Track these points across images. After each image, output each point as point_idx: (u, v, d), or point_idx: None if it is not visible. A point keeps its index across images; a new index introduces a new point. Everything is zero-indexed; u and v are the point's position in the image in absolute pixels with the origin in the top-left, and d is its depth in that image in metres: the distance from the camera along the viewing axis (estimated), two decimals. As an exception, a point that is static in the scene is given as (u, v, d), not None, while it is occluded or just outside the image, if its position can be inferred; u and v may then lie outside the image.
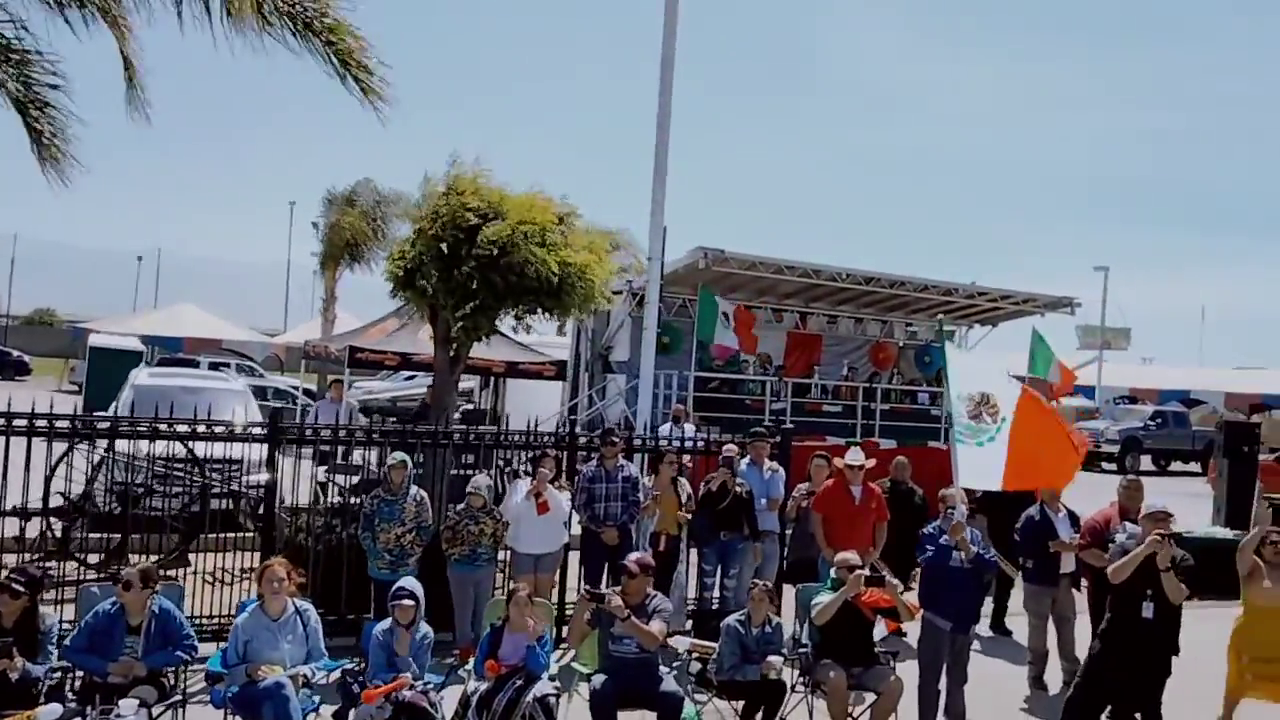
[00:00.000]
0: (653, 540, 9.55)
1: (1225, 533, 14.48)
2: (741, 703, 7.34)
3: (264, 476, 11.38)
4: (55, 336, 55.08)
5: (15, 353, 45.93)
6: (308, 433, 9.15)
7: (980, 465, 8.17)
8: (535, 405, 18.81)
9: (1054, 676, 9.24)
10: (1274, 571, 8.23)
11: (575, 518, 9.59)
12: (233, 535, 9.94)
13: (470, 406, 19.61)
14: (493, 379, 20.57)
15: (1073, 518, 9.33)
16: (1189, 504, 20.59)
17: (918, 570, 10.93)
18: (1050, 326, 20.99)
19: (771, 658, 7.22)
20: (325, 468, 10.95)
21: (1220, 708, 8.21)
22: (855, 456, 9.77)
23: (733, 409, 18.07)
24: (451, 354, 11.35)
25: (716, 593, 9.74)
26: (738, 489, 9.56)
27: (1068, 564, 9.19)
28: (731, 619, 7.59)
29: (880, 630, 7.84)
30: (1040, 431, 8.37)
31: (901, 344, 22.08)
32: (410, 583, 6.95)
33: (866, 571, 7.53)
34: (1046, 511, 9.37)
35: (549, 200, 11.33)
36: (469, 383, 23.13)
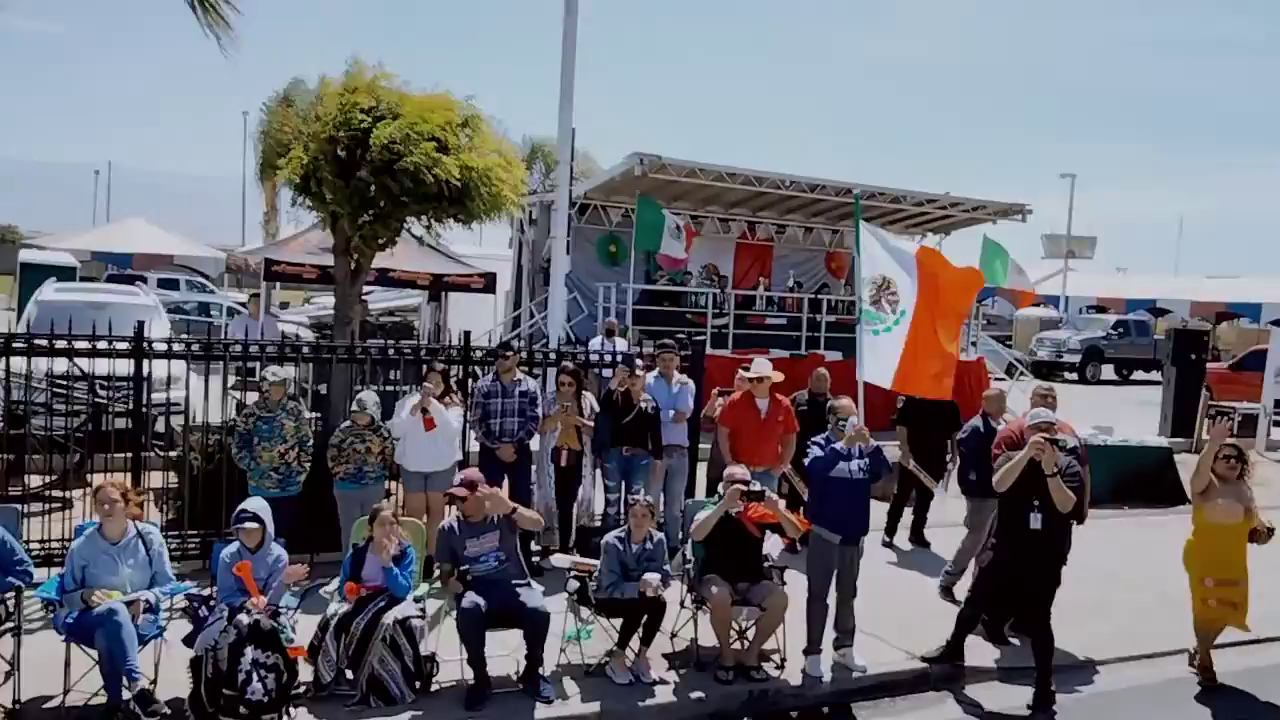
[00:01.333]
0: (554, 455, 9.24)
1: (1159, 441, 14.32)
2: (620, 620, 7.10)
3: (174, 394, 11.13)
4: (9, 254, 54.03)
5: (-38, 270, 45.04)
6: (177, 347, 8.67)
7: (876, 359, 7.85)
8: (481, 320, 18.51)
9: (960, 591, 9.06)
10: (1227, 487, 7.95)
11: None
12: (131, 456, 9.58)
13: (393, 321, 19.13)
14: (443, 294, 20.14)
15: None
16: (1142, 412, 20.56)
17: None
18: (1003, 235, 20.68)
19: (648, 575, 6.96)
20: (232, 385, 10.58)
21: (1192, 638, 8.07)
22: (761, 368, 9.43)
23: (674, 323, 17.72)
24: (353, 265, 10.93)
25: (621, 509, 9.43)
26: (642, 404, 9.22)
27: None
28: (610, 536, 7.32)
29: (774, 545, 7.62)
30: (931, 334, 8.01)
31: (850, 252, 21.68)
32: (255, 504, 6.63)
33: (743, 486, 7.24)
34: (990, 423, 9.15)
35: (451, 102, 10.81)
36: (414, 299, 22.69)
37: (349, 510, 8.36)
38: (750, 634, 7.40)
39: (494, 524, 6.86)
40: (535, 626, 6.59)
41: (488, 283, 15.85)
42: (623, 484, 9.29)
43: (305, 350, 9.31)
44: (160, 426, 10.70)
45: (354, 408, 8.49)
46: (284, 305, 36.39)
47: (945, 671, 7.71)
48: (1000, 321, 41.80)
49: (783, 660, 7.47)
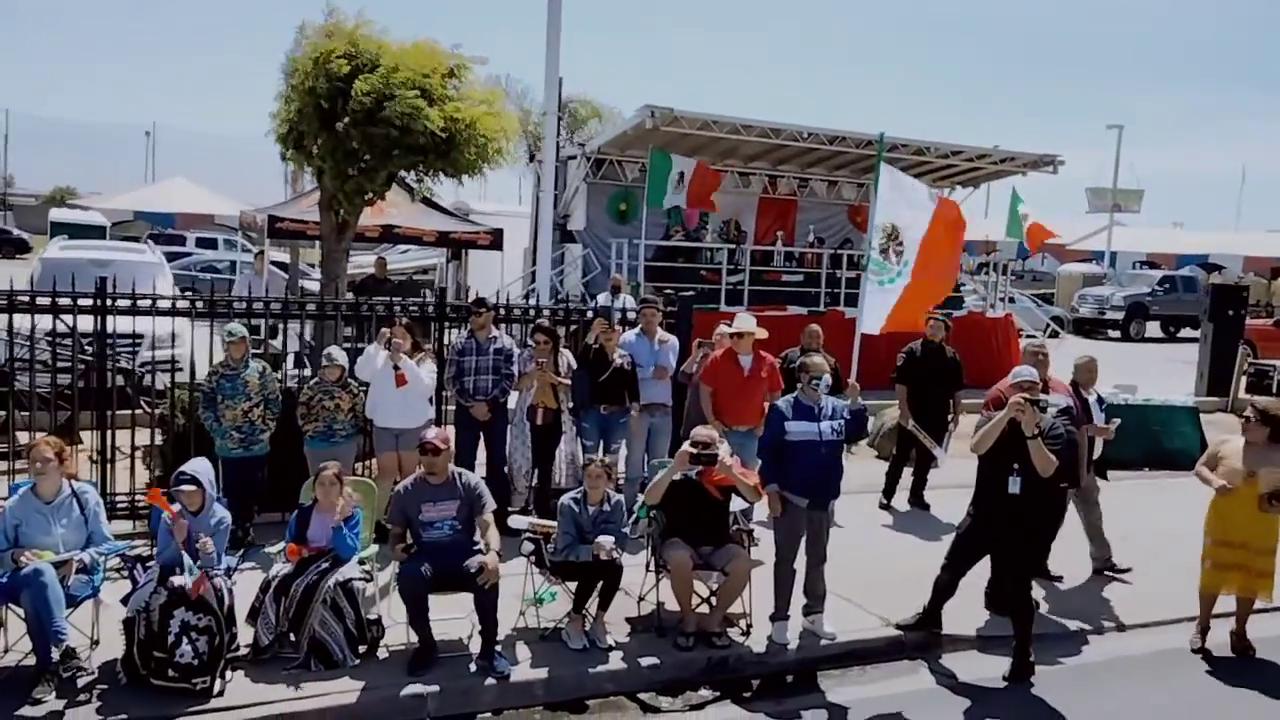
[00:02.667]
0: (529, 413, 9.02)
1: (1184, 400, 13.78)
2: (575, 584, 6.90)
3: (175, 351, 11.06)
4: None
5: (16, 231, 45.81)
6: (142, 304, 8.51)
7: (877, 309, 7.56)
8: (499, 278, 18.30)
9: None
10: (1249, 450, 7.54)
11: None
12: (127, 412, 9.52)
13: (404, 278, 18.92)
14: (463, 253, 19.96)
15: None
16: (1184, 370, 19.90)
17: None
18: (1037, 187, 20.06)
19: (601, 538, 6.73)
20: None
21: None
22: (743, 323, 9.11)
23: (688, 279, 17.39)
24: (339, 220, 10.74)
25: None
26: (618, 360, 8.96)
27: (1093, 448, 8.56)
28: (566, 497, 7.09)
29: (737, 504, 7.36)
30: (926, 284, 7.68)
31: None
32: (195, 466, 6.47)
33: (692, 450, 6.97)
34: (1082, 393, 8.60)
35: (436, 50, 10.53)
36: (435, 258, 22.53)
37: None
38: (715, 599, 7.16)
39: (455, 491, 6.65)
40: (484, 594, 6.39)
41: (495, 239, 15.59)
42: (601, 443, 9.06)
43: (274, 307, 9.00)
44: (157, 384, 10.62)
45: (322, 362, 8.32)
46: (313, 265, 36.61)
47: (920, 639, 7.43)
48: (1045, 278, 40.95)
49: (748, 626, 7.23)
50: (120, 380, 10.44)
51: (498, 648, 6.49)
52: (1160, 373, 20.07)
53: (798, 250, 19.40)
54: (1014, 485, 6.83)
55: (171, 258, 30.60)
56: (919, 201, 7.73)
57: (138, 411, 9.73)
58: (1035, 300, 33.25)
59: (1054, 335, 22.53)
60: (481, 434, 8.94)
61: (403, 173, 10.59)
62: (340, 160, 10.18)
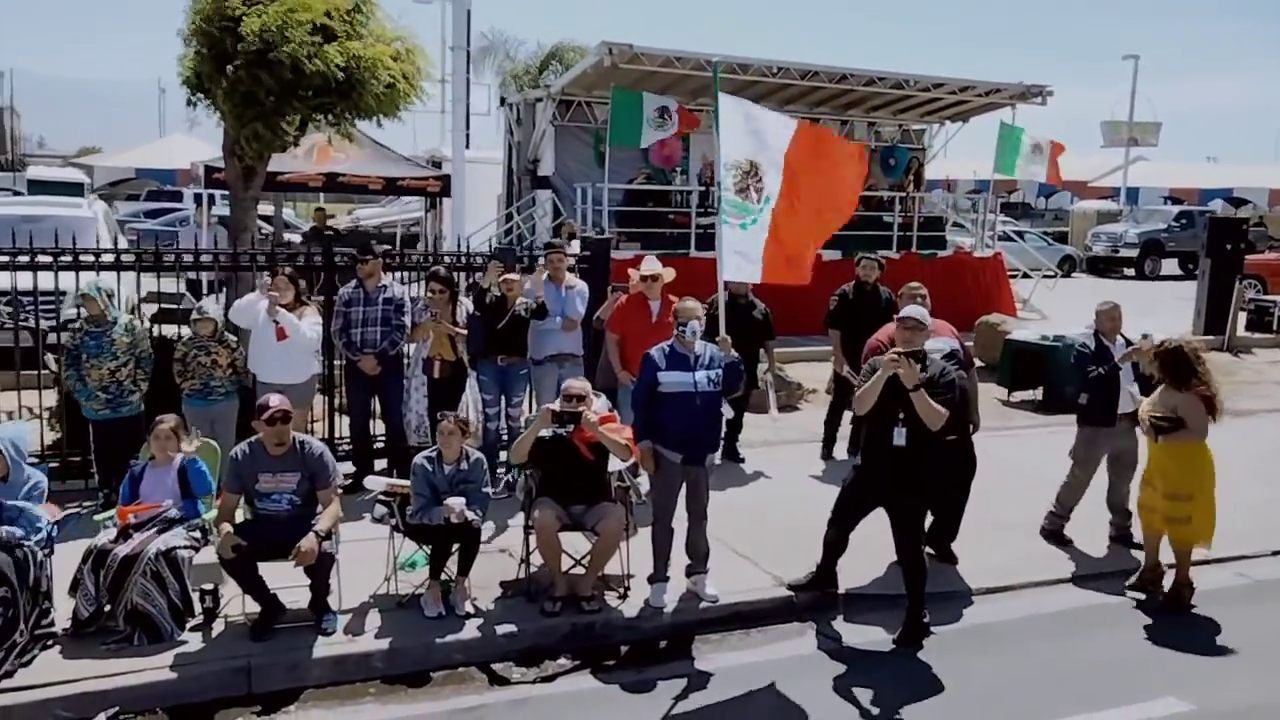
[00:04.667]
0: (426, 366, 8.56)
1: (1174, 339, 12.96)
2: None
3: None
4: (77, 175, 54.72)
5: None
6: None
7: (741, 254, 6.92)
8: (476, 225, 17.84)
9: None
10: (1162, 393, 7.20)
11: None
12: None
13: (351, 229, 18.45)
14: (438, 200, 19.50)
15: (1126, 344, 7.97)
16: (1191, 309, 19.07)
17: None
18: (1046, 122, 19.17)
19: (451, 499, 6.29)
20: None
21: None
22: (650, 265, 8.58)
23: (657, 224, 16.81)
24: (243, 167, 10.26)
25: (503, 423, 8.75)
26: (518, 307, 8.46)
27: (1127, 402, 7.83)
28: (420, 456, 6.64)
29: (617, 465, 6.88)
30: (797, 217, 7.05)
31: (865, 145, 20.37)
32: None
33: (553, 407, 6.50)
34: (1103, 341, 7.98)
35: (337, -14, 9.97)
36: (414, 209, 22.16)
37: (199, 429, 7.82)
38: (588, 561, 6.72)
39: (298, 463, 6.22)
40: (319, 563, 5.98)
41: (444, 186, 15.07)
42: (501, 396, 8.61)
43: (146, 260, 8.49)
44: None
45: (194, 316, 7.91)
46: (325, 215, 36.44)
47: (812, 600, 6.95)
48: (1066, 216, 39.84)
49: (626, 590, 6.80)
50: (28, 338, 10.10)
51: (334, 610, 6.12)
52: (1165, 311, 19.24)
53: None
54: (899, 437, 6.30)
55: (161, 213, 30.66)
56: (773, 130, 7.08)
57: (43, 372, 9.39)
58: (1047, 239, 32.32)
59: (1050, 276, 21.64)
60: (374, 390, 8.51)
61: (316, 116, 10.07)
62: (238, 104, 9.69)
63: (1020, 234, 31.04)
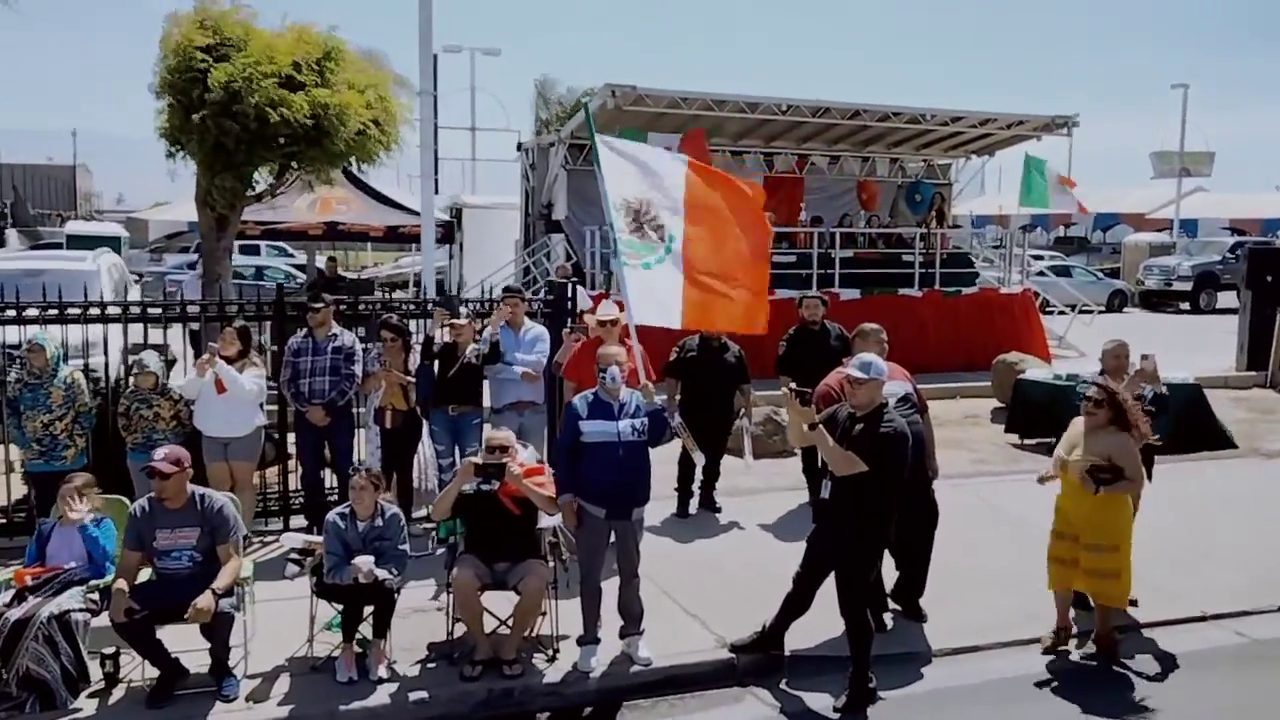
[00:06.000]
0: (377, 416, 8.34)
1: (1183, 377, 12.39)
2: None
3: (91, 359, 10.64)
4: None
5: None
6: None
7: (651, 296, 6.56)
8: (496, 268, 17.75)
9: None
10: (1082, 438, 6.69)
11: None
12: None
13: (354, 279, 18.42)
14: (451, 246, 19.51)
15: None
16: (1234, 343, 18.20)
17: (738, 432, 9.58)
18: (1090, 154, 18.59)
19: (358, 559, 6.00)
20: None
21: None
22: (606, 311, 8.27)
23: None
24: (215, 216, 10.19)
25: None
26: (469, 355, 8.20)
27: None
28: (333, 513, 6.37)
29: (549, 521, 6.55)
30: (720, 257, 6.70)
31: (884, 181, 19.96)
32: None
33: (476, 460, 6.20)
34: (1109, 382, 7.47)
35: (309, 35, 9.92)
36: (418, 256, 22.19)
37: (142, 482, 7.65)
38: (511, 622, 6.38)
39: (196, 518, 5.99)
40: (216, 629, 5.73)
41: (446, 232, 14.97)
42: (455, 446, 8.34)
43: (103, 311, 8.35)
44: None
45: (134, 370, 7.77)
46: (363, 266, 36.83)
47: (755, 663, 6.52)
48: (1104, 250, 38.88)
49: (555, 653, 6.44)
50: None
51: (234, 675, 5.86)
52: (1215, 346, 18.37)
53: (787, 230, 18.28)
54: (824, 489, 5.92)
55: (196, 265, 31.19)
56: (661, 166, 6.76)
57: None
58: (1096, 273, 31.47)
59: (1087, 312, 20.91)
60: (324, 441, 8.29)
61: (290, 165, 10.01)
62: (207, 154, 9.65)
63: (1067, 269, 30.30)
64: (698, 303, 6.57)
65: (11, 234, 37.45)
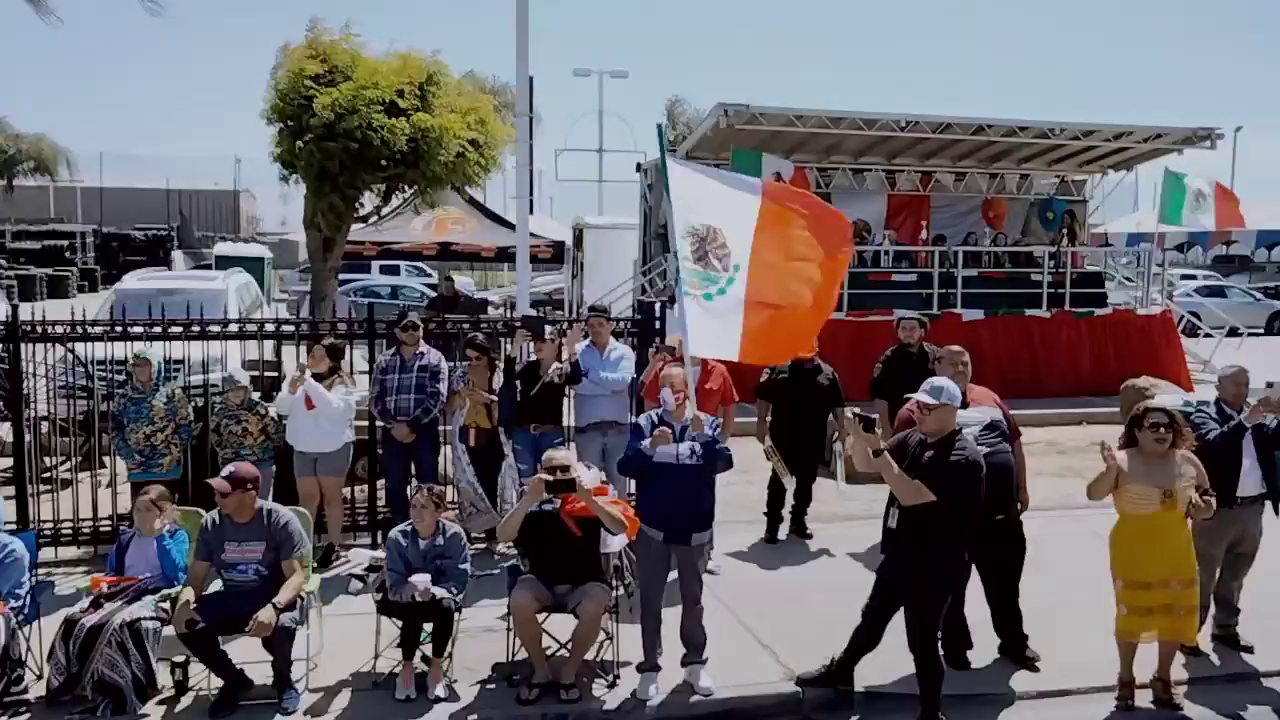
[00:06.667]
0: (462, 434, 8.40)
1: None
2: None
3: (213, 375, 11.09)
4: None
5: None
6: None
7: (711, 328, 6.38)
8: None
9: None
10: (1152, 467, 6.18)
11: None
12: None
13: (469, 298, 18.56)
14: (575, 265, 19.73)
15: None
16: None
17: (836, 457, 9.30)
18: (1194, 164, 17.64)
19: (415, 577, 6.02)
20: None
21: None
22: (676, 339, 8.15)
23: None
24: (322, 239, 10.51)
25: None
26: (552, 374, 8.20)
27: (1249, 483, 6.77)
28: (395, 530, 6.42)
29: (616, 544, 6.46)
30: (781, 285, 6.48)
31: (1015, 198, 19.23)
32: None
33: (547, 477, 6.13)
34: (1225, 410, 6.91)
35: (411, 60, 10.18)
36: (552, 275, 22.55)
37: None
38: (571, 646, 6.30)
39: (262, 532, 6.13)
40: (277, 642, 5.84)
41: (556, 253, 15.10)
42: (536, 465, 8.30)
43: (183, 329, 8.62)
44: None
45: (226, 385, 8.04)
46: (499, 286, 37.55)
47: (823, 698, 6.28)
48: (1270, 269, 36.62)
49: (616, 679, 6.32)
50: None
51: (295, 688, 5.95)
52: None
53: (908, 249, 17.78)
54: (891, 518, 5.66)
55: (343, 283, 32.35)
56: (734, 192, 6.54)
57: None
58: (1254, 294, 29.68)
59: (1235, 334, 19.70)
60: (411, 458, 8.40)
61: (378, 186, 10.27)
62: (313, 177, 9.98)
63: (1222, 289, 28.70)
64: (756, 336, 6.37)
65: (177, 255, 39.60)
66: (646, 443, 6.10)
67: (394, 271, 36.14)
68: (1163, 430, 6.13)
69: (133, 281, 14.97)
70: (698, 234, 6.36)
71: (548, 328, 8.51)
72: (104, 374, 8.72)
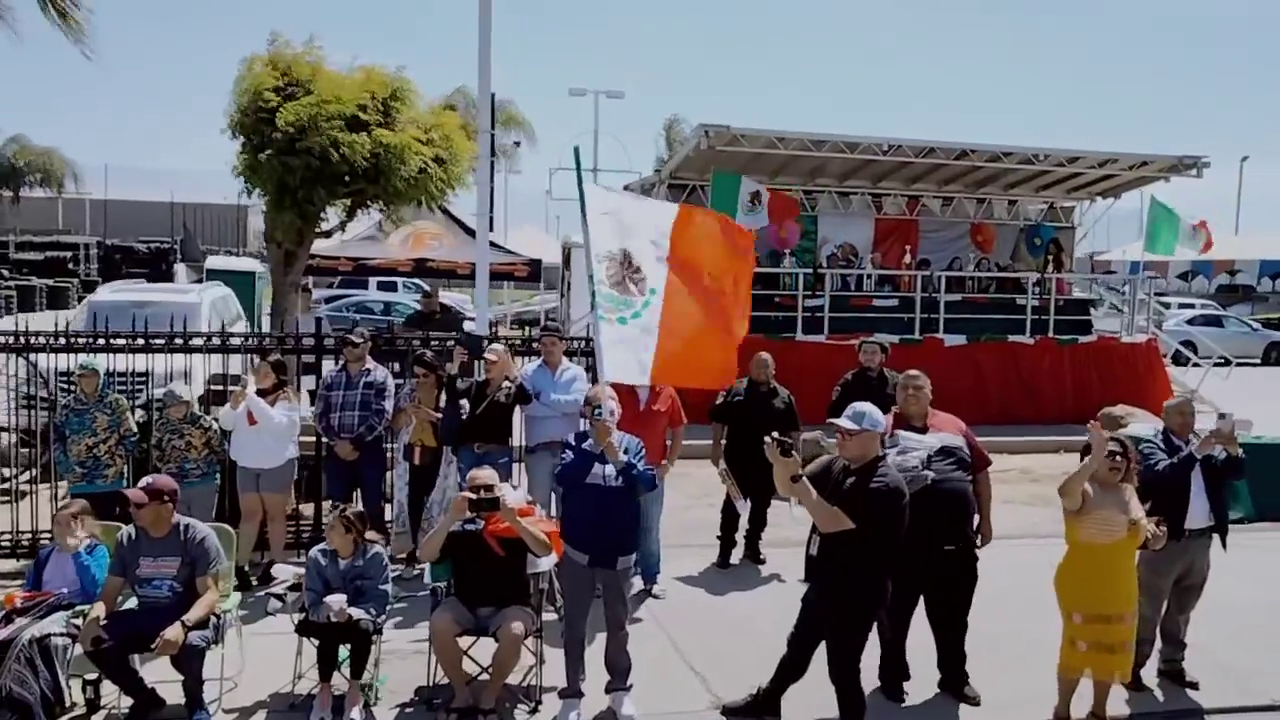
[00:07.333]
0: (406, 452, 8.32)
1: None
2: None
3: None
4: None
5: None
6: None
7: (625, 352, 6.28)
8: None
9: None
10: (1107, 495, 6.05)
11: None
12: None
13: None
14: (560, 283, 19.67)
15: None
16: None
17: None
18: (1176, 193, 17.52)
19: (329, 598, 5.91)
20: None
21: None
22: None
23: (760, 307, 16.16)
24: (283, 252, 10.46)
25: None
26: (500, 394, 8.10)
27: (1197, 515, 6.67)
28: (316, 549, 6.32)
29: (545, 564, 6.36)
30: (695, 312, 6.40)
31: (1004, 224, 19.14)
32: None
33: (470, 495, 6.03)
34: (1173, 440, 6.81)
35: (375, 75, 10.15)
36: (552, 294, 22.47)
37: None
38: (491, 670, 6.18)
39: (178, 548, 6.03)
40: (186, 660, 5.73)
41: (532, 271, 15.04)
42: (480, 486, 8.21)
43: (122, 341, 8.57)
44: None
45: (165, 401, 7.96)
46: (499, 304, 37.54)
47: (746, 727, 6.14)
48: (1273, 299, 36.40)
49: (537, 704, 6.20)
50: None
51: (206, 709, 5.84)
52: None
53: (891, 273, 17.68)
54: (813, 545, 5.54)
55: (336, 299, 32.37)
56: (651, 215, 6.47)
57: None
58: (1251, 324, 29.48)
59: (1223, 364, 19.54)
60: (355, 476, 8.31)
61: (341, 202, 10.22)
62: (275, 192, 9.94)
63: (1219, 319, 28.50)
64: (670, 359, 6.30)
65: (180, 268, 39.69)
66: (589, 445, 6.01)
67: (391, 288, 36.23)
68: (1117, 459, 6.02)
69: (107, 293, 14.95)
70: (615, 258, 6.29)
71: (497, 345, 8.40)
72: (65, 385, 8.69)
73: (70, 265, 47.87)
